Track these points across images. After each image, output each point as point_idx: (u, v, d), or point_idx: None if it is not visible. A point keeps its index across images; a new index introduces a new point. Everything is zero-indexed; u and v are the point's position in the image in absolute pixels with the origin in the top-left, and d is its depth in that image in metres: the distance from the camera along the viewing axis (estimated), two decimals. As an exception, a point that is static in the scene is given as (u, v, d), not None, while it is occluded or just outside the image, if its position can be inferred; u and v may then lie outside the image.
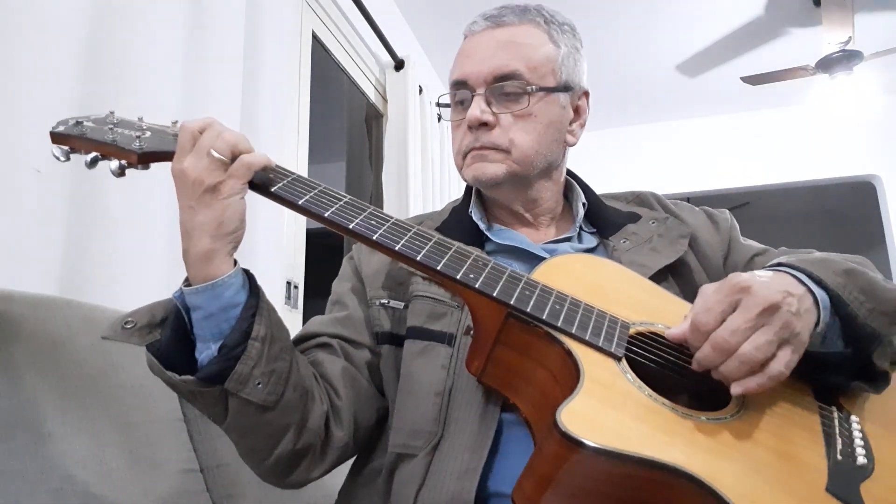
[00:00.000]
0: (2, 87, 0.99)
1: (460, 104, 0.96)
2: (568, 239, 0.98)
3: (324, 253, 2.29)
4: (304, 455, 0.80)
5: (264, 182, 0.73)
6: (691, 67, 3.79)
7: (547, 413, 0.67)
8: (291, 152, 2.05)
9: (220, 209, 0.69)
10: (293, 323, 1.96)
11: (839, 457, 0.70)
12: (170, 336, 0.72)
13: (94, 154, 0.72)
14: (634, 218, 0.99)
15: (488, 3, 1.01)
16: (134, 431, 0.91)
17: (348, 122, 3.12)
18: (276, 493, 0.96)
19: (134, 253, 1.18)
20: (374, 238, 0.72)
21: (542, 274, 0.78)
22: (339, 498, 0.90)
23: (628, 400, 0.67)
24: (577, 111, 1.00)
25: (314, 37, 2.38)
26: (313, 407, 0.79)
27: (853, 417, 0.76)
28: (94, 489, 0.81)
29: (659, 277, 0.89)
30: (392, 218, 0.75)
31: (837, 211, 5.73)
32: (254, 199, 0.73)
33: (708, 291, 0.71)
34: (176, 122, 0.76)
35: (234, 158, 0.71)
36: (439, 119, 3.20)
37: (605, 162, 4.04)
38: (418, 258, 0.72)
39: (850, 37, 3.11)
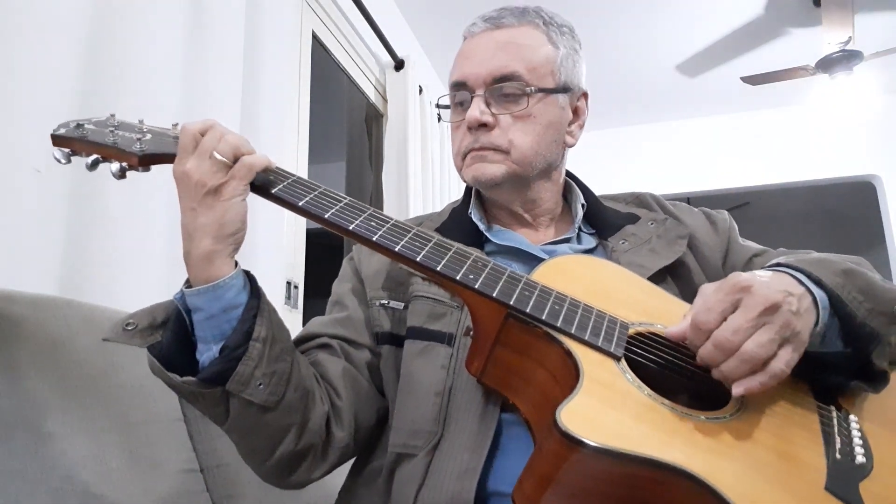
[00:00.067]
0: (2, 87, 0.99)
1: (460, 105, 0.96)
2: (567, 240, 0.98)
3: (324, 253, 2.30)
4: (304, 455, 0.80)
5: (265, 184, 0.74)
6: (691, 67, 3.79)
7: (547, 413, 0.67)
8: (291, 152, 2.05)
9: (221, 211, 0.69)
10: (293, 323, 1.96)
11: (838, 456, 0.70)
12: (171, 338, 0.72)
13: (94, 156, 0.73)
14: (633, 219, 1.00)
15: (488, 3, 1.01)
16: (134, 431, 0.91)
17: (348, 122, 3.12)
18: (276, 494, 0.96)
19: (134, 253, 1.18)
20: (374, 239, 0.72)
21: (541, 275, 0.79)
22: (340, 498, 0.90)
23: (628, 399, 0.67)
24: (576, 112, 1.00)
25: (314, 37, 2.38)
26: (314, 407, 0.79)
27: (852, 417, 0.76)
28: (94, 489, 0.81)
29: (658, 278, 0.90)
30: (392, 219, 0.76)
31: (837, 211, 5.73)
32: (254, 200, 0.73)
33: (708, 291, 0.72)
34: (176, 125, 0.76)
35: (235, 160, 0.71)
36: (439, 119, 3.20)
37: (605, 162, 4.04)
38: (418, 259, 0.72)
39: (850, 37, 3.11)
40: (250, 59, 1.63)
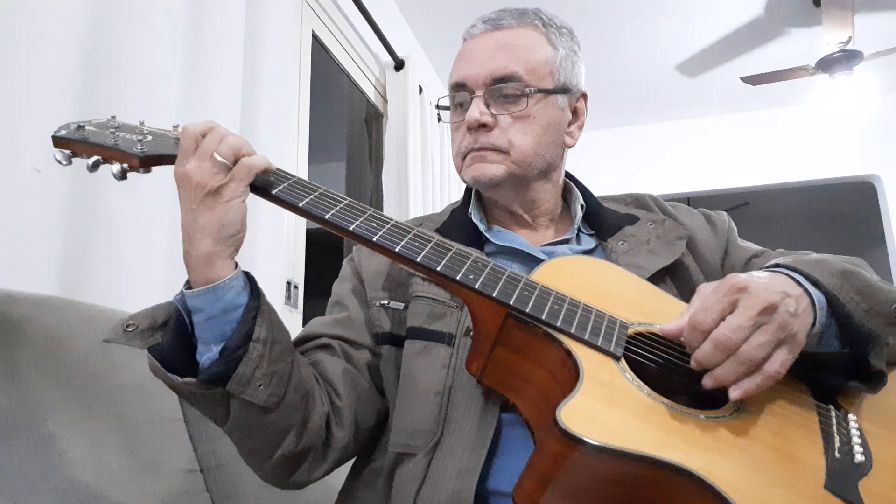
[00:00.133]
0: (2, 87, 0.99)
1: (459, 106, 0.97)
2: (566, 241, 0.98)
3: (324, 253, 2.30)
4: (305, 456, 0.80)
5: (265, 185, 0.74)
6: (691, 67, 3.79)
7: (547, 412, 0.67)
8: (291, 152, 2.05)
9: (221, 212, 0.70)
10: (293, 323, 1.97)
11: (837, 455, 0.70)
12: (171, 339, 0.72)
13: (95, 158, 0.73)
14: (632, 220, 1.00)
15: (488, 3, 1.02)
16: (134, 431, 0.91)
17: (348, 122, 3.12)
18: (275, 493, 0.97)
19: (134, 253, 1.18)
20: (375, 240, 0.73)
21: (541, 275, 0.79)
22: (340, 498, 0.90)
23: (627, 398, 0.68)
24: (576, 113, 1.00)
25: (314, 37, 2.39)
26: (314, 408, 0.80)
27: (851, 416, 0.76)
28: (94, 489, 0.81)
29: (657, 279, 0.90)
30: (392, 220, 0.76)
31: (837, 211, 5.72)
32: (254, 200, 0.74)
33: (706, 291, 0.72)
34: (177, 126, 0.77)
35: (235, 162, 0.71)
36: (439, 120, 3.20)
37: (605, 162, 4.05)
38: (418, 259, 0.73)
39: (850, 37, 3.12)
40: (250, 59, 1.63)
